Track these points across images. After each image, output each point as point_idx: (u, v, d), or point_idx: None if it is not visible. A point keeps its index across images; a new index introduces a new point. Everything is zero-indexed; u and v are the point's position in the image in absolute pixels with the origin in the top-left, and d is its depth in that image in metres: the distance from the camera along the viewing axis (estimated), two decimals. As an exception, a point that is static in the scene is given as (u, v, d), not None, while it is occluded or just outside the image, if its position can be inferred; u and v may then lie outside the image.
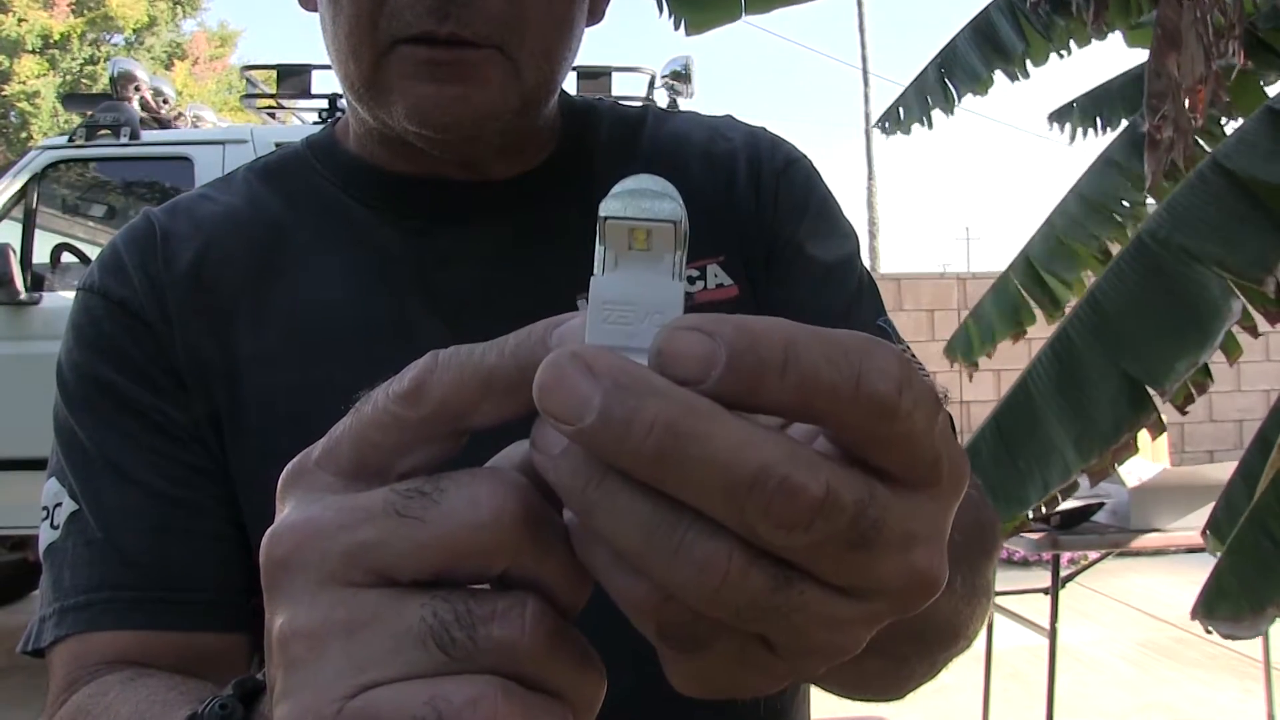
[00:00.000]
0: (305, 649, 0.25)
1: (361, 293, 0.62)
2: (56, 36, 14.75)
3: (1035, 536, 2.92)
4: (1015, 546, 3.11)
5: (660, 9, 3.03)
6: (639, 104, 0.84)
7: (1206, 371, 2.06)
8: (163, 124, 4.54)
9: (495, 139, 0.61)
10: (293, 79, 4.48)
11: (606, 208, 0.24)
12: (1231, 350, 2.16)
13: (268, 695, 0.27)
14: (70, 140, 4.22)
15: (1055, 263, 3.13)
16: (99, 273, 0.63)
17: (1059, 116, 3.77)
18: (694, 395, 0.22)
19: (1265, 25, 2.54)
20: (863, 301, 0.66)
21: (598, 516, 0.23)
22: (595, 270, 0.25)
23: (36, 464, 0.64)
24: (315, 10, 0.62)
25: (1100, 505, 3.03)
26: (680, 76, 4.63)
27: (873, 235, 17.52)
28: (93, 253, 4.45)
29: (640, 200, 0.24)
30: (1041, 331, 2.44)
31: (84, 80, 14.66)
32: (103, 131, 4.16)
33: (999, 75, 3.51)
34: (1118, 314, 2.08)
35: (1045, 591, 2.91)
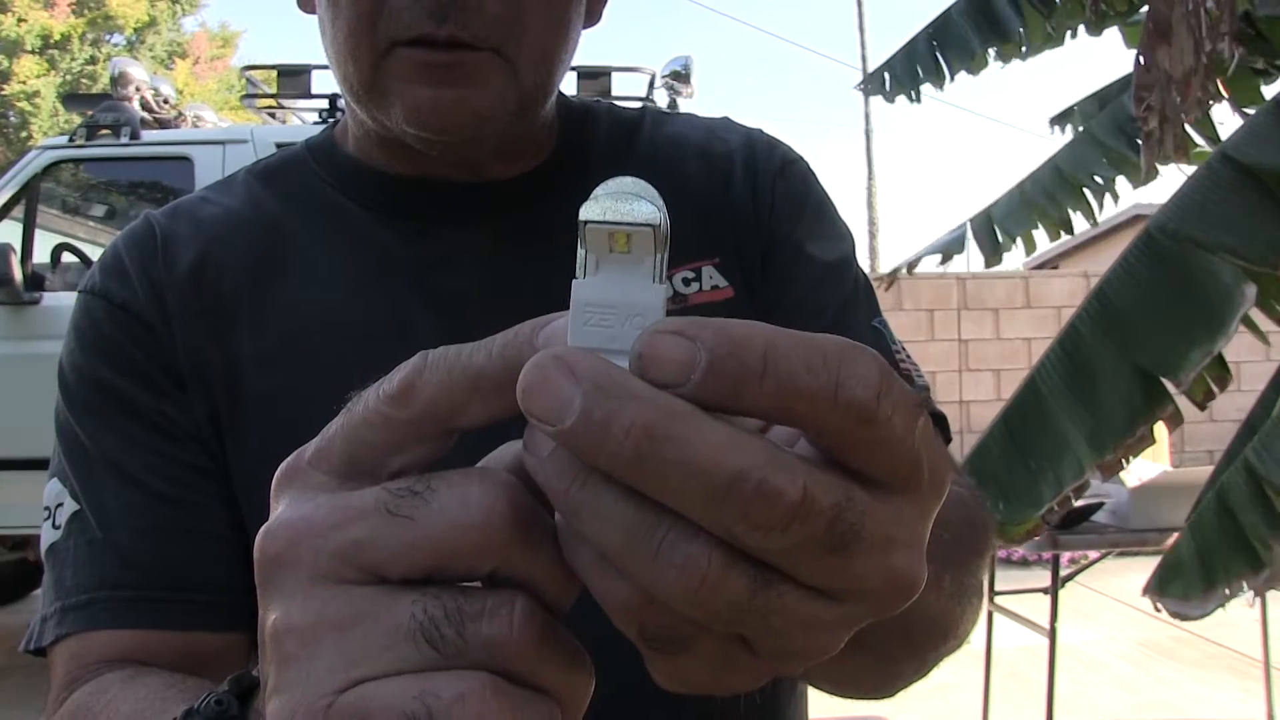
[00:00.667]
0: (297, 645, 0.25)
1: (361, 294, 0.62)
2: (57, 37, 14.75)
3: (1035, 536, 2.93)
4: (1015, 546, 3.11)
5: None
6: (637, 105, 0.84)
7: (1224, 366, 2.05)
8: (163, 124, 4.54)
9: (493, 140, 0.61)
10: (293, 79, 4.48)
11: (586, 211, 0.25)
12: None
13: (261, 690, 0.27)
14: (70, 140, 4.22)
15: (1009, 219, 3.14)
16: (100, 275, 0.64)
17: (1060, 120, 3.77)
18: (672, 399, 0.22)
19: (1261, 12, 2.54)
20: (858, 303, 0.66)
21: (581, 517, 0.23)
22: (577, 273, 0.25)
23: (37, 464, 0.64)
24: (314, 13, 0.62)
25: (1100, 505, 3.03)
26: (680, 76, 4.63)
27: (873, 235, 17.52)
28: (93, 253, 4.46)
29: (620, 203, 0.25)
30: (1034, 329, 2.42)
31: (84, 80, 14.66)
32: (103, 131, 4.16)
33: (996, 69, 3.49)
34: (1127, 308, 2.07)
35: (1045, 591, 2.91)
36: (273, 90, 4.59)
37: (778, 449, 0.23)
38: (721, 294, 0.64)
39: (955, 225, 3.41)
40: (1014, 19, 3.35)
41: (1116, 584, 5.18)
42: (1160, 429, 2.00)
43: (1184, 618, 1.86)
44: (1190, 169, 2.17)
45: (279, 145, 3.54)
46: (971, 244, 3.19)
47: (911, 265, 3.31)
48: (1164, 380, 1.97)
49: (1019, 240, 3.15)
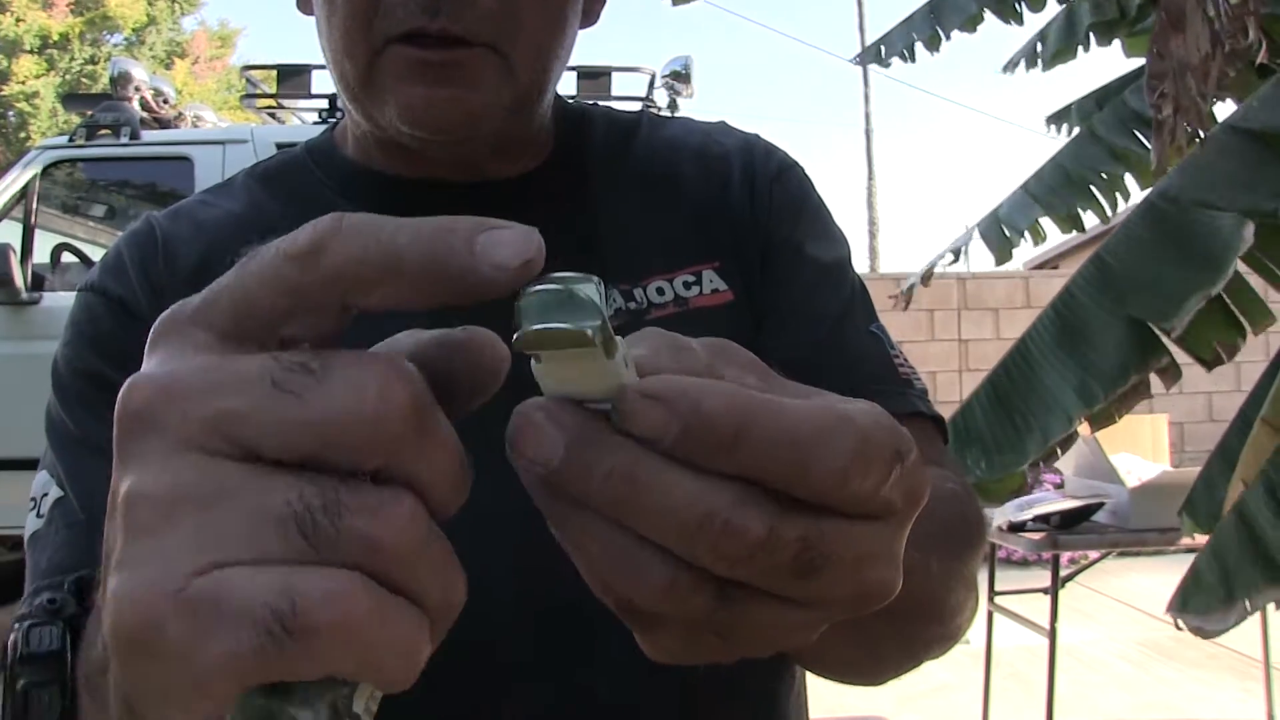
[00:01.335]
0: (152, 515, 0.23)
1: None
2: (55, 37, 14.75)
3: (1035, 536, 2.93)
4: (1015, 546, 3.12)
5: None
6: (635, 107, 0.85)
7: (1239, 331, 2.03)
8: (163, 124, 4.54)
9: (490, 139, 0.61)
10: (293, 79, 4.48)
11: (519, 336, 0.24)
12: (1260, 317, 2.08)
13: (103, 565, 0.25)
14: (70, 140, 4.22)
15: (1016, 215, 3.13)
16: (99, 273, 0.64)
17: (1057, 119, 3.77)
18: (643, 451, 0.24)
19: (1263, 10, 2.53)
20: (855, 308, 0.67)
21: (567, 531, 0.26)
22: (533, 362, 0.25)
23: (37, 464, 0.64)
24: (312, 14, 0.62)
25: (1100, 505, 3.03)
26: (680, 76, 4.63)
27: (873, 235, 17.52)
28: (93, 252, 4.46)
29: (550, 316, 0.24)
30: (1020, 328, 2.41)
31: (83, 80, 14.66)
32: (103, 131, 4.16)
33: (999, 75, 3.48)
34: (1124, 267, 2.05)
35: (1045, 591, 2.91)
36: (272, 90, 4.59)
37: (747, 489, 0.24)
38: (722, 298, 0.64)
39: (958, 227, 3.40)
40: None
41: (1116, 584, 5.18)
42: (1162, 430, 1.99)
43: (1205, 634, 1.85)
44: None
45: (279, 145, 3.54)
46: (979, 244, 3.18)
47: (926, 277, 3.30)
48: (1158, 331, 1.93)
49: (1027, 234, 3.13)
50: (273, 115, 4.86)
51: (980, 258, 3.18)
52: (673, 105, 4.65)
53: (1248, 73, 2.54)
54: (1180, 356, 2.03)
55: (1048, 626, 2.82)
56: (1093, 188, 3.08)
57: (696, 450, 0.24)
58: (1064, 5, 3.28)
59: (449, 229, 0.25)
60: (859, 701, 3.09)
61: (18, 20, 14.62)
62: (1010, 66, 3.68)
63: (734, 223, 0.66)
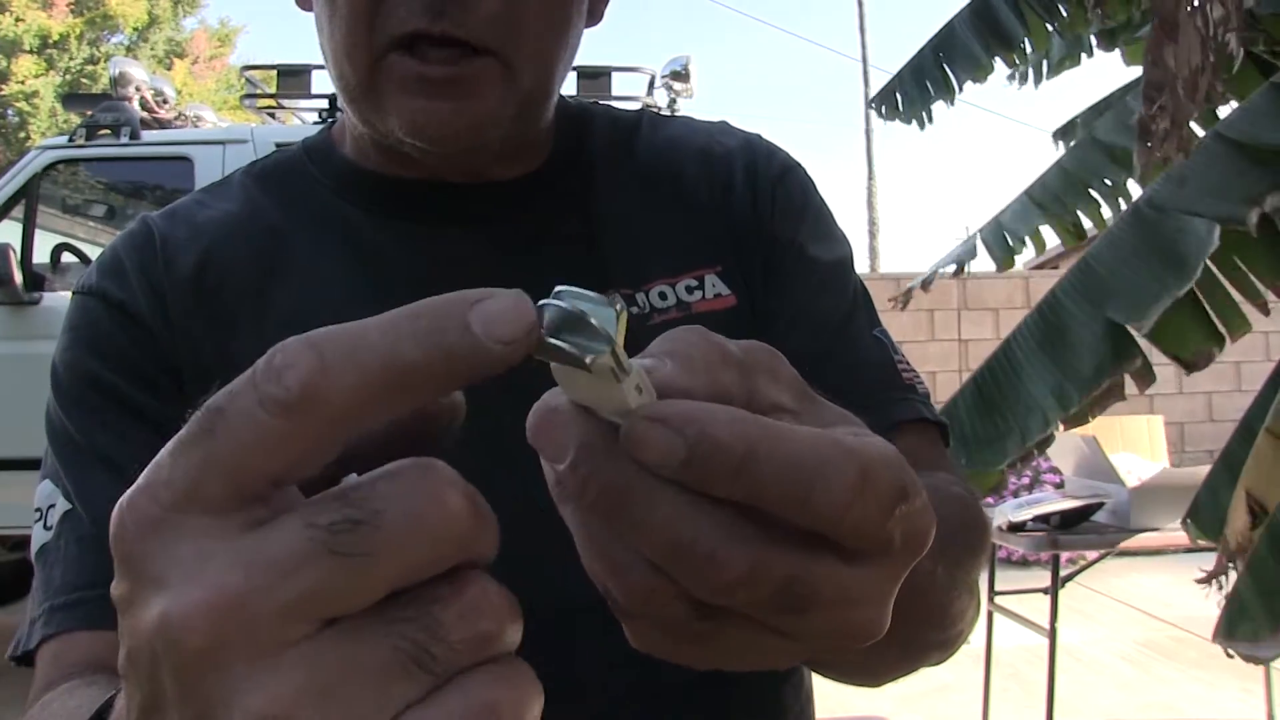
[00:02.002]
0: None
1: (362, 298, 0.61)
2: (55, 36, 14.74)
3: (1035, 536, 2.93)
4: (1015, 546, 3.11)
5: None
6: (635, 106, 0.84)
7: (1217, 339, 2.05)
8: (163, 124, 4.54)
9: (494, 145, 0.60)
10: (293, 79, 4.48)
11: (538, 350, 0.23)
12: (1237, 326, 2.13)
13: None
14: (70, 140, 4.22)
15: (1018, 222, 3.14)
16: (97, 275, 0.63)
17: (1063, 134, 3.77)
18: (644, 470, 0.24)
19: (1264, 10, 2.53)
20: (858, 312, 0.66)
21: (564, 512, 0.26)
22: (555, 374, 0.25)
23: (37, 464, 0.63)
24: (311, 9, 0.62)
25: (1100, 505, 3.03)
26: (680, 76, 4.62)
27: (873, 235, 17.51)
28: (92, 252, 4.45)
29: (561, 332, 0.24)
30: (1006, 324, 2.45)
31: (83, 80, 14.65)
32: (103, 131, 4.16)
33: (999, 74, 3.49)
34: (1107, 271, 2.09)
35: (1045, 591, 2.91)
36: (272, 90, 4.59)
37: (736, 521, 0.24)
38: (724, 302, 0.63)
39: (958, 227, 3.41)
40: (1017, 26, 3.35)
41: (1116, 584, 5.18)
42: (1159, 430, 2.01)
43: (1257, 661, 1.85)
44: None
45: (279, 145, 3.52)
46: (981, 251, 3.19)
47: (926, 282, 3.31)
48: (1132, 331, 1.98)
49: (1028, 240, 3.15)
50: (273, 115, 4.86)
51: (979, 258, 3.16)
52: (672, 105, 4.65)
53: (1250, 71, 2.54)
54: (1155, 358, 2.08)
55: (1048, 626, 2.81)
56: (1094, 193, 3.08)
57: (701, 478, 0.24)
58: (1066, 17, 3.29)
59: (439, 320, 0.22)
60: (859, 702, 3.09)
61: (17, 20, 14.61)
62: (1020, 80, 3.69)
63: (736, 225, 0.66)
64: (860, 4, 17.46)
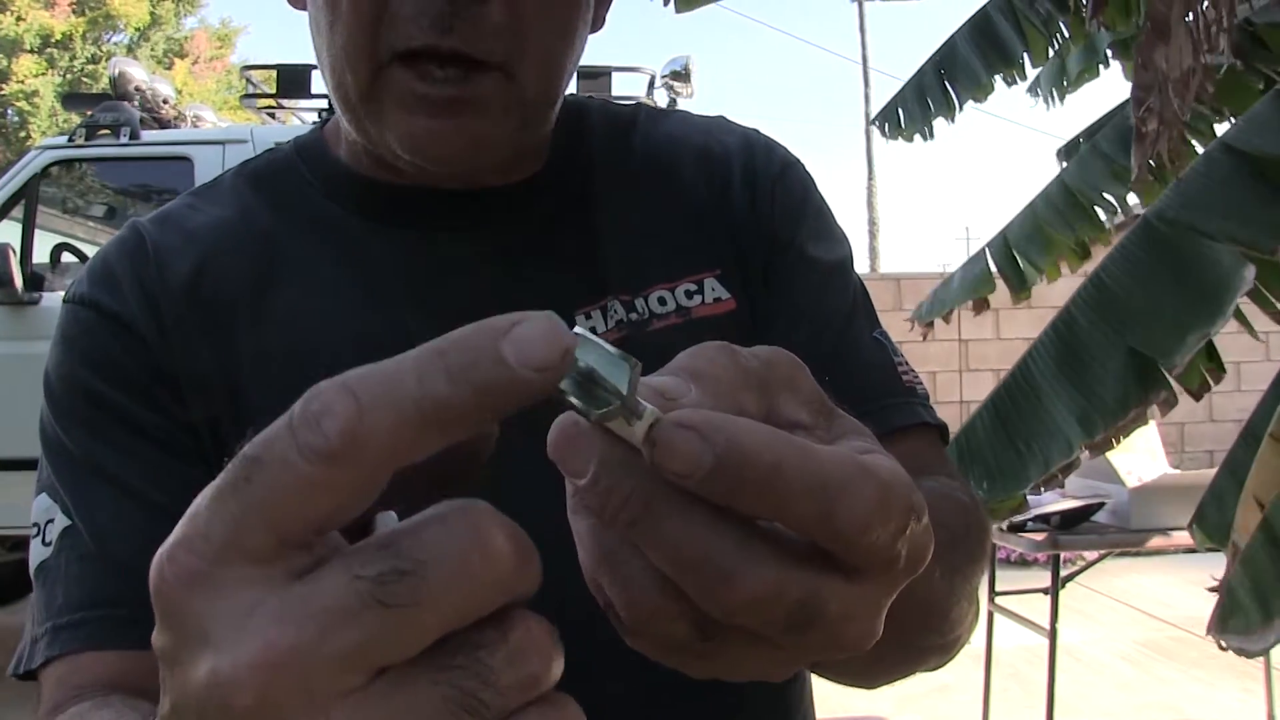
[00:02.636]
0: None
1: (358, 305, 0.60)
2: (57, 36, 14.74)
3: (1035, 537, 2.93)
4: (1015, 546, 3.11)
5: None
6: (630, 102, 0.83)
7: (1217, 359, 2.05)
8: (163, 124, 4.54)
9: (495, 159, 0.59)
10: (293, 79, 4.48)
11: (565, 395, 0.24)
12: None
13: None
14: (70, 140, 4.22)
15: (1030, 246, 3.13)
16: (89, 285, 0.61)
17: (1066, 153, 3.76)
18: (666, 484, 0.24)
19: (1260, 19, 2.53)
20: (859, 313, 0.66)
21: (574, 523, 0.27)
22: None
23: (37, 464, 0.63)
24: (304, 8, 0.60)
25: (1100, 505, 3.03)
26: (680, 76, 4.63)
27: (873, 235, 17.51)
28: (92, 253, 4.44)
29: (571, 380, 0.24)
30: (1034, 329, 2.42)
31: (84, 80, 14.64)
32: (103, 131, 4.16)
33: (999, 83, 3.50)
34: (1124, 292, 2.05)
35: (1045, 591, 2.91)
36: (272, 90, 4.59)
37: (755, 542, 0.24)
38: (724, 306, 0.63)
39: (958, 227, 3.41)
40: (1016, 41, 3.36)
41: (1116, 584, 5.18)
42: (1153, 435, 2.01)
43: (1248, 654, 1.85)
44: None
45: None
46: (994, 274, 3.18)
47: (947, 315, 3.30)
48: (1158, 364, 1.96)
49: (1043, 273, 3.13)
50: (272, 115, 4.86)
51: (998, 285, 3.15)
52: (673, 105, 4.65)
53: (1249, 84, 2.54)
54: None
55: (1048, 627, 2.81)
56: (1097, 209, 3.08)
57: (725, 490, 0.24)
58: (1066, 31, 3.30)
59: (471, 355, 0.22)
60: (859, 702, 3.09)
61: (18, 19, 14.61)
62: (1043, 96, 3.70)
63: (735, 226, 0.65)
64: (860, 6, 17.46)
